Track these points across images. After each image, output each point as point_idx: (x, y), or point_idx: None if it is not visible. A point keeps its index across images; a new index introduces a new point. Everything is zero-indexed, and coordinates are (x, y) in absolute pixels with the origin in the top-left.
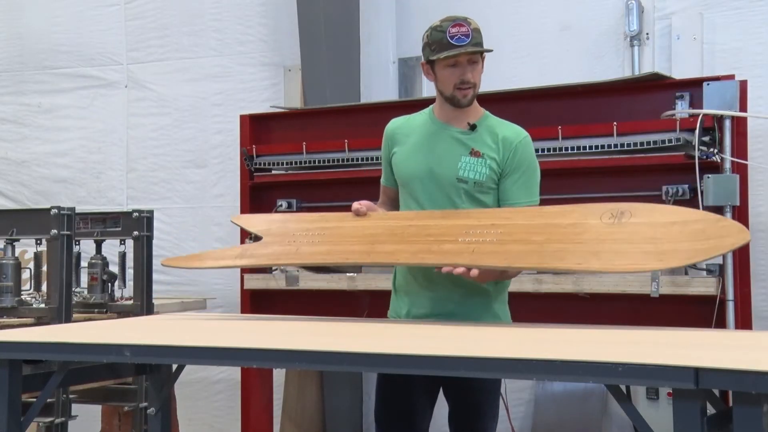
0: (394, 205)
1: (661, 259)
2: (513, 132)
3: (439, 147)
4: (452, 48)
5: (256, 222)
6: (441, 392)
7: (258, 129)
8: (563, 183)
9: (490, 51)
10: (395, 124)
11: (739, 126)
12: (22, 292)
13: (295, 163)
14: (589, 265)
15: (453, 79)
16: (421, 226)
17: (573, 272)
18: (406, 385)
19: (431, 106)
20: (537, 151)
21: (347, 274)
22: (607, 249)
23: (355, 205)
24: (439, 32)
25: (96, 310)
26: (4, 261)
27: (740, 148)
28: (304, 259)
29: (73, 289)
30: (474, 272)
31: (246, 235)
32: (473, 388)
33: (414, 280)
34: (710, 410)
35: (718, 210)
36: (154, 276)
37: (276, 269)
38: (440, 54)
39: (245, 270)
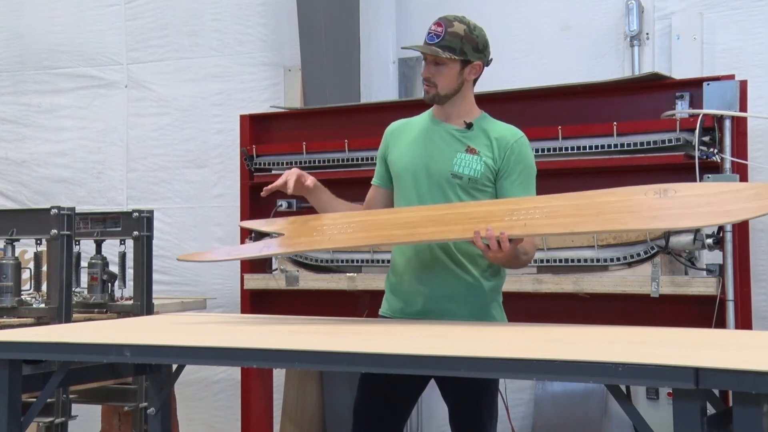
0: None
1: (727, 214)
2: (509, 132)
3: (435, 143)
4: (421, 43)
5: (268, 223)
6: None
7: (258, 129)
8: (563, 183)
9: (436, 56)
10: (396, 124)
11: (739, 126)
12: (22, 292)
13: (295, 163)
14: (654, 224)
15: (423, 73)
16: (459, 213)
17: (637, 231)
18: (388, 382)
19: (432, 107)
20: (537, 151)
21: (347, 274)
22: (665, 215)
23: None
24: None
25: (96, 310)
26: (4, 261)
27: (740, 148)
28: (340, 244)
29: (73, 289)
30: (505, 245)
31: (246, 235)
32: (470, 388)
33: (409, 279)
34: (710, 410)
35: None
36: (154, 276)
37: (276, 269)
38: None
39: (245, 270)
